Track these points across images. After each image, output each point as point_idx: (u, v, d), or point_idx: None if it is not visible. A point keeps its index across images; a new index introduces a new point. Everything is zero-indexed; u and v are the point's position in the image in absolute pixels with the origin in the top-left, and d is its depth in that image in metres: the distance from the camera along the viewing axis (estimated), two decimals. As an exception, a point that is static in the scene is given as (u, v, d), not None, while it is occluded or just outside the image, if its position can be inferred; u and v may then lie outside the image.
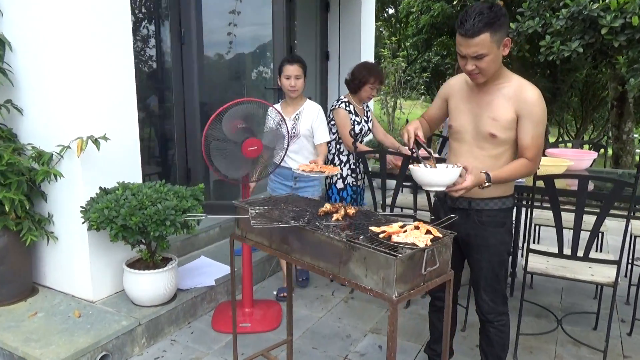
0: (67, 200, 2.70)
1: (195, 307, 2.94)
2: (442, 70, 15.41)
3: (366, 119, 3.48)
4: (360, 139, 3.44)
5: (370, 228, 1.69)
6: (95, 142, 2.50)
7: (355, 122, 3.35)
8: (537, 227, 3.73)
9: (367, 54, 5.69)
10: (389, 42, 9.94)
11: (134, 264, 2.75)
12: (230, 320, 2.85)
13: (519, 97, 1.89)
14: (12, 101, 2.75)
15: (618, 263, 2.36)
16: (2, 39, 2.67)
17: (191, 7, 3.69)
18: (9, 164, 2.49)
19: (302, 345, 2.68)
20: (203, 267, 3.23)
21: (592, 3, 6.29)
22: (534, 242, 3.95)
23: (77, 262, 2.73)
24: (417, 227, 1.70)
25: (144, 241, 2.64)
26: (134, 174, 2.88)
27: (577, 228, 2.35)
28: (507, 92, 1.92)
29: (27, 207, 2.57)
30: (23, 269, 2.74)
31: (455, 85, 2.10)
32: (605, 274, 2.44)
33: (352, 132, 3.19)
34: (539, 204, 2.85)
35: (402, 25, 13.19)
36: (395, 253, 1.47)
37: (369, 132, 3.51)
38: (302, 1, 5.33)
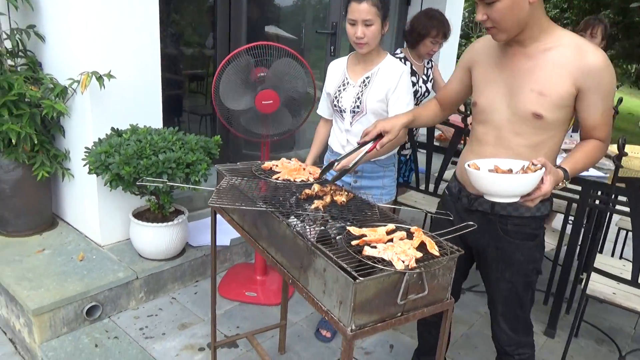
0: (80, 138, 2.57)
1: (205, 265, 2.76)
2: (561, 25, 13.52)
3: (425, 79, 2.93)
4: (416, 102, 2.93)
5: (348, 228, 1.30)
6: (99, 79, 2.29)
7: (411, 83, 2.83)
8: (620, 232, 3.01)
9: (454, 3, 4.92)
10: None
11: (143, 213, 2.60)
12: (238, 287, 2.65)
13: (580, 64, 1.35)
14: (37, 27, 2.61)
15: None
16: (26, -41, 2.49)
17: None
18: (20, 94, 2.38)
19: (303, 330, 2.40)
20: (219, 224, 3.00)
21: None
22: (608, 254, 3.27)
23: (88, 203, 2.63)
24: (409, 236, 1.28)
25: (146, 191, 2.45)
26: (153, 117, 2.67)
27: (662, 252, 1.76)
28: (558, 56, 1.37)
29: (35, 141, 2.46)
30: (40, 202, 2.71)
31: (482, 48, 1.55)
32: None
33: None
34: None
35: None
36: (355, 274, 1.08)
37: (426, 93, 2.97)
38: None
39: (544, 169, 1.27)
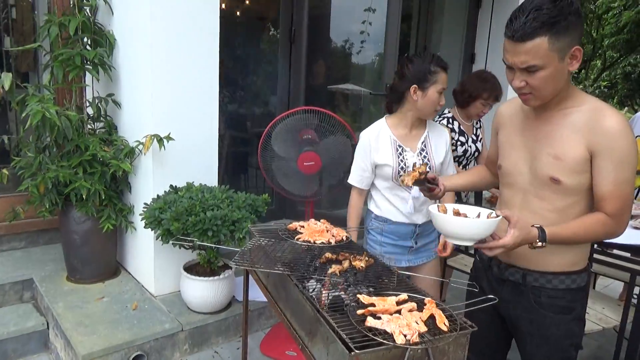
0: (143, 194, 2.78)
1: (251, 321, 2.80)
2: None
3: (474, 138, 2.89)
4: (466, 162, 2.88)
5: (358, 296, 1.29)
6: (160, 141, 2.50)
7: (459, 143, 2.80)
8: None
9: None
10: None
11: (193, 267, 2.73)
12: (279, 345, 2.65)
13: (594, 126, 1.29)
14: (114, 96, 2.93)
15: None
16: (110, 37, 2.85)
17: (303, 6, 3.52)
18: (94, 154, 2.65)
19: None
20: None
21: None
22: None
23: (145, 255, 2.82)
24: (420, 307, 1.25)
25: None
26: (209, 175, 2.85)
27: None
28: (576, 120, 1.33)
29: (103, 197, 2.71)
30: (105, 252, 2.93)
31: (507, 112, 1.54)
32: None
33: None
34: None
35: (600, 22, 11.19)
36: (351, 345, 1.06)
37: (476, 153, 2.91)
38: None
39: (498, 217, 1.28)
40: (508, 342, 1.64)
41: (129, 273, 3.05)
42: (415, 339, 1.11)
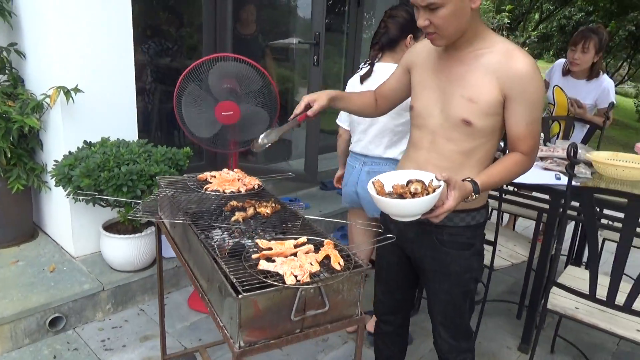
0: (55, 152, 2.62)
1: (178, 277, 2.77)
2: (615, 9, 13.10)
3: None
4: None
5: (256, 241, 1.28)
6: (67, 93, 2.34)
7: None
8: (606, 243, 2.86)
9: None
10: None
11: (114, 225, 2.63)
12: (208, 298, 2.64)
13: (506, 69, 1.31)
14: (17, 45, 2.69)
15: (678, 325, 1.62)
16: (6, -21, 2.57)
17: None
18: (-5, 110, 2.45)
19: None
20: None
21: None
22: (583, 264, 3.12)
23: (62, 215, 2.68)
24: (317, 249, 1.25)
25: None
26: (128, 130, 2.71)
27: (618, 266, 1.65)
28: (488, 61, 1.34)
29: (10, 155, 2.53)
30: (18, 214, 2.77)
31: (422, 51, 1.51)
32: (661, 334, 1.72)
33: None
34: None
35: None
36: (239, 288, 1.05)
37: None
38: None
39: (440, 188, 1.23)
40: (416, 281, 1.69)
41: (48, 235, 2.91)
42: (306, 279, 1.11)
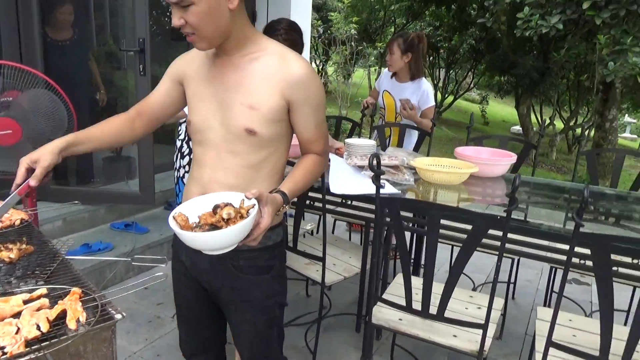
0: None
1: None
2: (434, 42, 14.41)
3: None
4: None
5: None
6: None
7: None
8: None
9: (301, 16, 4.85)
10: (342, 4, 8.92)
11: None
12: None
13: (286, 74, 1.23)
14: None
15: (484, 327, 1.65)
16: None
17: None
18: None
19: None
20: None
21: (573, -29, 5.41)
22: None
23: None
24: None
25: None
26: None
27: (428, 275, 1.64)
28: (264, 65, 1.25)
29: None
30: None
31: (194, 59, 1.36)
32: (472, 337, 1.74)
33: None
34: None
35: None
36: None
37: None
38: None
39: (255, 208, 1.09)
40: (221, 314, 1.51)
41: None
42: (20, 349, 0.85)
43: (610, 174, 2.95)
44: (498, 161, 2.48)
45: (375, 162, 1.55)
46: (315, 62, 13.73)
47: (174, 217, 1.08)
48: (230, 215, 1.05)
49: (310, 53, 13.20)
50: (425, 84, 3.14)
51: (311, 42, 10.20)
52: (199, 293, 1.43)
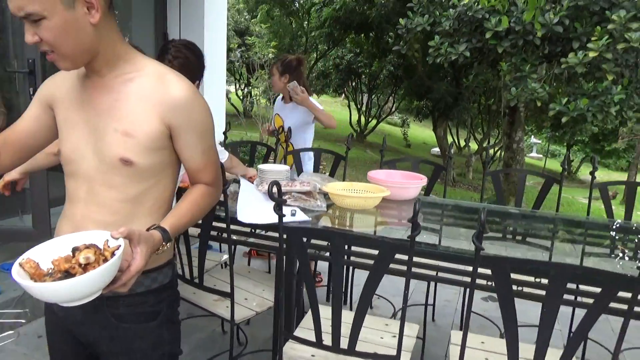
0: None
1: None
2: (355, 68, 14.84)
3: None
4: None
5: None
6: None
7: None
8: None
9: (216, 40, 4.74)
10: (257, 29, 8.98)
11: None
12: None
13: (164, 97, 1.11)
14: None
15: (396, 358, 1.58)
16: None
17: None
18: None
19: None
20: None
21: (477, 4, 5.78)
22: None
23: None
24: None
25: None
26: None
27: (337, 308, 1.56)
28: (141, 87, 1.12)
29: None
30: None
31: (64, 81, 1.22)
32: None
33: None
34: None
35: (306, 17, 12.41)
36: None
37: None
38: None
39: (120, 248, 0.95)
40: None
41: None
42: None
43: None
44: (408, 184, 2.49)
45: (275, 189, 1.46)
46: (237, 85, 13.59)
47: (20, 265, 0.92)
48: (89, 259, 0.91)
49: (233, 76, 13.11)
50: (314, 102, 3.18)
51: (232, 66, 10.05)
52: (77, 347, 1.25)
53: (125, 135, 1.11)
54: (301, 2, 12.31)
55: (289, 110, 3.24)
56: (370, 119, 16.93)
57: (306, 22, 12.55)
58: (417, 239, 1.44)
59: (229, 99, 10.58)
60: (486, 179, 3.00)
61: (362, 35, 11.82)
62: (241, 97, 13.35)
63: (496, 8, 5.54)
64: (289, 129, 3.17)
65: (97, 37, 1.06)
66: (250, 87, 10.69)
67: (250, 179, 2.49)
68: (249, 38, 7.83)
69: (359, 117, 16.72)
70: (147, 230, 1.08)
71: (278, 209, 1.50)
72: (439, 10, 6.49)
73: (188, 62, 1.76)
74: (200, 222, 1.90)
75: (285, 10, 12.59)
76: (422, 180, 2.53)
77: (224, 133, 3.27)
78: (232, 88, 14.50)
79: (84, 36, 1.04)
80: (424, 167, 3.14)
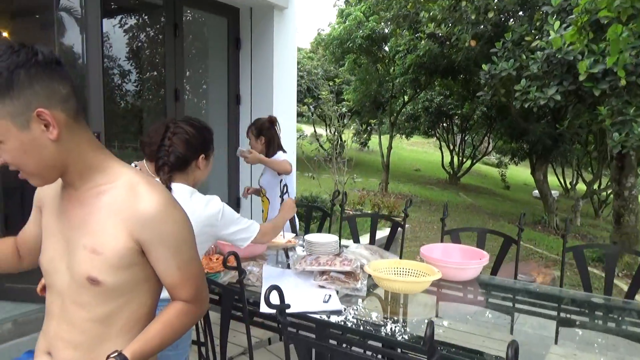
0: None
1: None
2: (445, 110, 14.40)
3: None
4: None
5: None
6: None
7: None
8: None
9: (285, 96, 4.80)
10: (331, 84, 8.97)
11: None
12: None
13: (133, 210, 1.04)
14: None
15: None
16: None
17: None
18: None
19: None
20: None
21: (567, 45, 5.28)
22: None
23: None
24: None
25: None
26: None
27: None
28: (111, 200, 1.06)
29: None
30: None
31: (51, 189, 1.17)
32: None
33: None
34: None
35: (392, 64, 12.36)
36: None
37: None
38: (212, 37, 4.58)
39: None
40: None
41: None
42: None
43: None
44: (467, 264, 2.20)
45: (267, 294, 1.30)
46: (328, 129, 13.75)
47: None
48: None
49: (324, 122, 13.28)
50: (278, 155, 3.19)
51: (322, 112, 10.23)
52: None
53: (92, 252, 1.04)
54: (386, 49, 12.31)
55: (263, 169, 3.37)
56: (464, 160, 16.21)
57: (392, 69, 12.48)
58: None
59: (320, 143, 10.78)
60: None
61: (449, 78, 11.49)
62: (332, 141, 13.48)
63: (590, 48, 5.02)
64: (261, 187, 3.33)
65: (62, 151, 1.01)
66: (341, 131, 10.71)
67: (288, 242, 2.51)
68: (334, 82, 7.86)
69: (452, 159, 16.09)
70: (107, 357, 0.99)
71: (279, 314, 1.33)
72: (525, 54, 6.07)
73: (188, 136, 1.74)
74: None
75: (371, 58, 12.66)
76: (482, 260, 2.22)
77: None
78: (323, 131, 14.79)
79: (46, 153, 0.99)
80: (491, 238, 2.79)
